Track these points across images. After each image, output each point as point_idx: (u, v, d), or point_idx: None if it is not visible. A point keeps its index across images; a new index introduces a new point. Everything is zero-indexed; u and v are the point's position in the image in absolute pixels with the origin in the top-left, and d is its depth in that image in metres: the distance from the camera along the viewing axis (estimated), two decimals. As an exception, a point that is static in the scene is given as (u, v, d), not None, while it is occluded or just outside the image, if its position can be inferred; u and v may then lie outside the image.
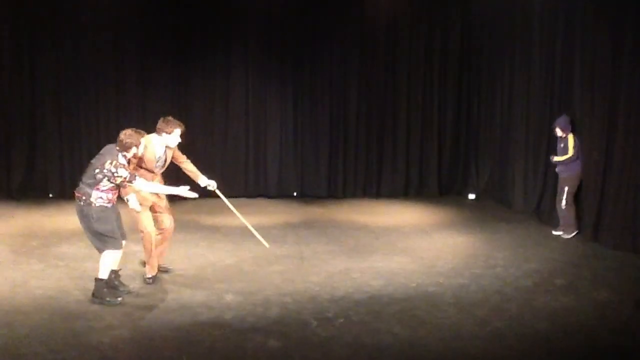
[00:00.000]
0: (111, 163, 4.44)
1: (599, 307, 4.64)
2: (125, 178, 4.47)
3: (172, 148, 5.04)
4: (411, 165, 9.60)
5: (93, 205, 4.47)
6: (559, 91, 7.49)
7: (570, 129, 6.75)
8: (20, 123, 8.44)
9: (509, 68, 8.65)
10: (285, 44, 9.07)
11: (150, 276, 5.03)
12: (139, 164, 4.88)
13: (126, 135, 4.55)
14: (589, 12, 6.77)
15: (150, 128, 5.04)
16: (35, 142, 8.55)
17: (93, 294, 4.55)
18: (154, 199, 5.01)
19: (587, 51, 6.75)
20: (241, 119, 9.15)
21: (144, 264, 5.21)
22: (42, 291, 4.72)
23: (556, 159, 6.79)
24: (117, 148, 4.56)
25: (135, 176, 4.54)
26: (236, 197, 8.87)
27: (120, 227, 4.65)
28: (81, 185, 4.55)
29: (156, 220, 5.07)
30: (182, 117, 9.26)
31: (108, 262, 4.55)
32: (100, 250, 4.56)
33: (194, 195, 4.73)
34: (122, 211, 4.77)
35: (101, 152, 4.60)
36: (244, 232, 6.92)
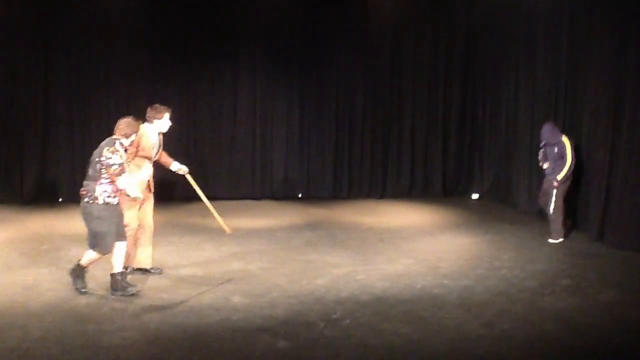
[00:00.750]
0: (108, 149, 4.59)
1: (605, 307, 4.64)
2: (117, 166, 4.57)
3: (164, 132, 5.27)
4: (416, 166, 9.66)
5: (97, 202, 4.60)
6: (563, 91, 7.51)
7: (560, 132, 6.61)
8: (33, 129, 8.54)
9: (513, 69, 8.69)
10: (291, 48, 9.17)
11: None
12: (137, 152, 5.05)
13: (125, 123, 4.72)
14: (593, 12, 6.79)
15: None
16: (47, 147, 8.66)
17: (74, 286, 4.79)
18: (145, 194, 5.14)
19: (592, 51, 6.76)
20: (248, 122, 9.27)
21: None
22: (53, 294, 4.79)
23: (560, 177, 6.47)
24: (116, 136, 4.70)
25: (124, 171, 4.64)
26: (242, 198, 9.03)
27: (120, 227, 4.76)
28: (85, 182, 4.69)
29: (140, 216, 5.17)
30: (190, 120, 9.34)
31: (89, 257, 4.77)
32: (90, 247, 4.72)
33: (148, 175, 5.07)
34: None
35: (101, 144, 4.73)
36: (249, 234, 7.02)
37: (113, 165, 4.56)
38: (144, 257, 5.27)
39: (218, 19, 8.94)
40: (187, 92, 8.95)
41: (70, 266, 4.92)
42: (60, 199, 8.62)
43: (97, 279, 5.09)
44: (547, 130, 6.64)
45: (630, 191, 6.15)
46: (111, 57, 8.64)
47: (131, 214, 5.04)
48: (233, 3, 8.99)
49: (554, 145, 6.59)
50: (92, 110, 8.69)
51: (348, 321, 4.31)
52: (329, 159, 9.48)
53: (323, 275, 5.43)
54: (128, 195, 4.79)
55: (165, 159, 5.45)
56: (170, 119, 5.28)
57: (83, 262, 4.80)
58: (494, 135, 9.28)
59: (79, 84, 8.64)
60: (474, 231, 7.17)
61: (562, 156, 6.55)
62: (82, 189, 4.70)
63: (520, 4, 8.48)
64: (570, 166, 6.48)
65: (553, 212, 6.56)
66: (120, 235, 4.75)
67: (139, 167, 5.09)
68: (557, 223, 6.57)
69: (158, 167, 5.46)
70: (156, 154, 5.30)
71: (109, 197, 4.63)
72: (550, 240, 6.57)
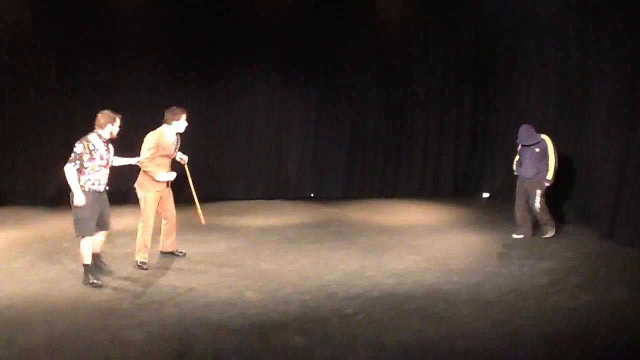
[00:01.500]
0: (79, 140, 4.94)
1: (616, 305, 4.63)
2: (75, 155, 4.92)
3: (181, 132, 5.65)
4: (426, 165, 9.74)
5: (83, 189, 4.95)
6: (574, 91, 7.51)
7: (537, 133, 6.51)
8: (56, 133, 8.72)
9: (524, 68, 8.71)
10: (305, 55, 9.34)
11: (143, 261, 5.54)
12: (157, 152, 5.43)
13: (101, 114, 5.05)
14: (603, 12, 6.78)
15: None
16: (69, 151, 8.85)
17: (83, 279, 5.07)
18: (163, 187, 5.59)
19: (603, 50, 6.76)
20: (263, 126, 9.45)
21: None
22: (76, 289, 4.94)
23: (549, 176, 6.44)
24: (95, 128, 5.02)
25: (76, 162, 4.94)
26: (257, 199, 9.20)
27: (104, 216, 5.07)
28: None
29: (163, 210, 5.63)
30: (208, 125, 9.63)
31: (83, 249, 5.06)
32: (76, 234, 5.04)
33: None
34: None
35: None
36: (262, 232, 7.14)
37: (74, 152, 4.95)
38: (170, 243, 5.90)
39: (235, 29, 9.14)
40: (205, 98, 9.13)
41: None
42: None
43: (116, 274, 5.25)
44: (524, 132, 6.54)
45: (640, 189, 6.16)
46: (134, 68, 8.91)
47: (150, 210, 5.52)
48: (249, 13, 9.19)
49: (533, 146, 6.52)
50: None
51: (361, 316, 4.37)
52: (341, 159, 9.61)
53: (334, 271, 5.52)
54: (155, 188, 5.28)
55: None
56: (187, 120, 5.61)
57: (84, 259, 5.08)
58: (505, 135, 9.30)
59: (102, 92, 8.85)
60: (484, 229, 7.22)
61: (544, 155, 6.48)
62: None
63: (529, 6, 8.50)
64: (555, 164, 6.46)
65: (540, 210, 6.58)
66: (100, 226, 5.12)
67: (159, 165, 5.49)
68: (546, 218, 6.63)
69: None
70: (175, 152, 5.68)
71: (93, 185, 5.00)
72: (545, 236, 6.64)
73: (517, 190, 6.81)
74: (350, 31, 9.36)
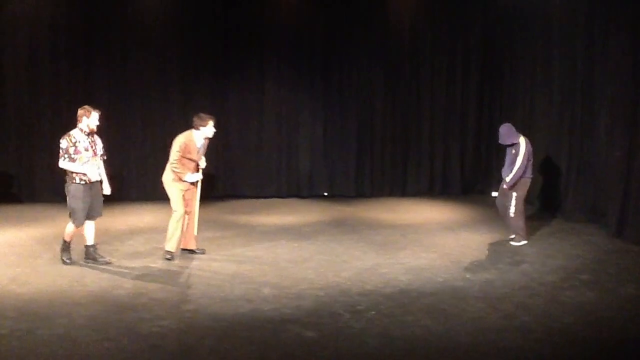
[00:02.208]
0: (62, 137, 5.32)
1: (625, 302, 4.68)
2: (62, 150, 5.34)
3: (209, 137, 5.89)
4: (435, 165, 9.83)
5: (74, 182, 5.40)
6: (580, 90, 7.51)
7: (517, 134, 6.25)
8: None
9: (530, 69, 8.72)
10: (314, 55, 9.49)
11: (171, 251, 5.77)
12: (184, 154, 5.66)
13: (80, 109, 5.45)
14: (609, 11, 6.78)
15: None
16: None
17: (61, 257, 5.63)
18: (190, 187, 5.86)
19: (608, 50, 6.76)
20: (274, 126, 9.61)
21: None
22: (97, 285, 5.10)
23: (508, 179, 6.18)
24: (77, 123, 5.43)
25: (65, 157, 5.36)
26: (270, 197, 9.35)
27: (97, 206, 5.54)
28: None
29: (186, 204, 5.83)
30: (220, 125, 9.89)
31: (68, 230, 5.59)
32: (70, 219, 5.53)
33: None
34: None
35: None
36: (278, 229, 7.27)
37: (61, 149, 5.34)
38: (190, 241, 6.03)
39: (245, 31, 9.33)
40: (217, 99, 9.32)
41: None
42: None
43: (132, 274, 5.40)
44: (503, 132, 6.28)
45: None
46: (148, 69, 9.16)
47: (178, 201, 5.76)
48: (259, 15, 9.34)
49: (511, 146, 6.30)
50: (129, 117, 9.23)
51: (373, 313, 4.46)
52: (352, 159, 9.73)
53: (348, 269, 5.61)
54: (178, 186, 5.64)
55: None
56: (214, 126, 5.87)
57: (66, 237, 5.60)
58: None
59: (117, 92, 9.13)
60: (494, 227, 7.24)
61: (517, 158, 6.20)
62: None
63: (536, 4, 8.49)
64: (519, 168, 6.13)
65: (514, 216, 6.27)
66: (91, 216, 5.53)
67: (184, 165, 5.76)
68: (518, 226, 6.31)
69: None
70: (201, 155, 5.94)
71: (84, 176, 5.38)
72: (513, 243, 6.33)
73: (499, 191, 6.58)
74: (359, 32, 9.49)
